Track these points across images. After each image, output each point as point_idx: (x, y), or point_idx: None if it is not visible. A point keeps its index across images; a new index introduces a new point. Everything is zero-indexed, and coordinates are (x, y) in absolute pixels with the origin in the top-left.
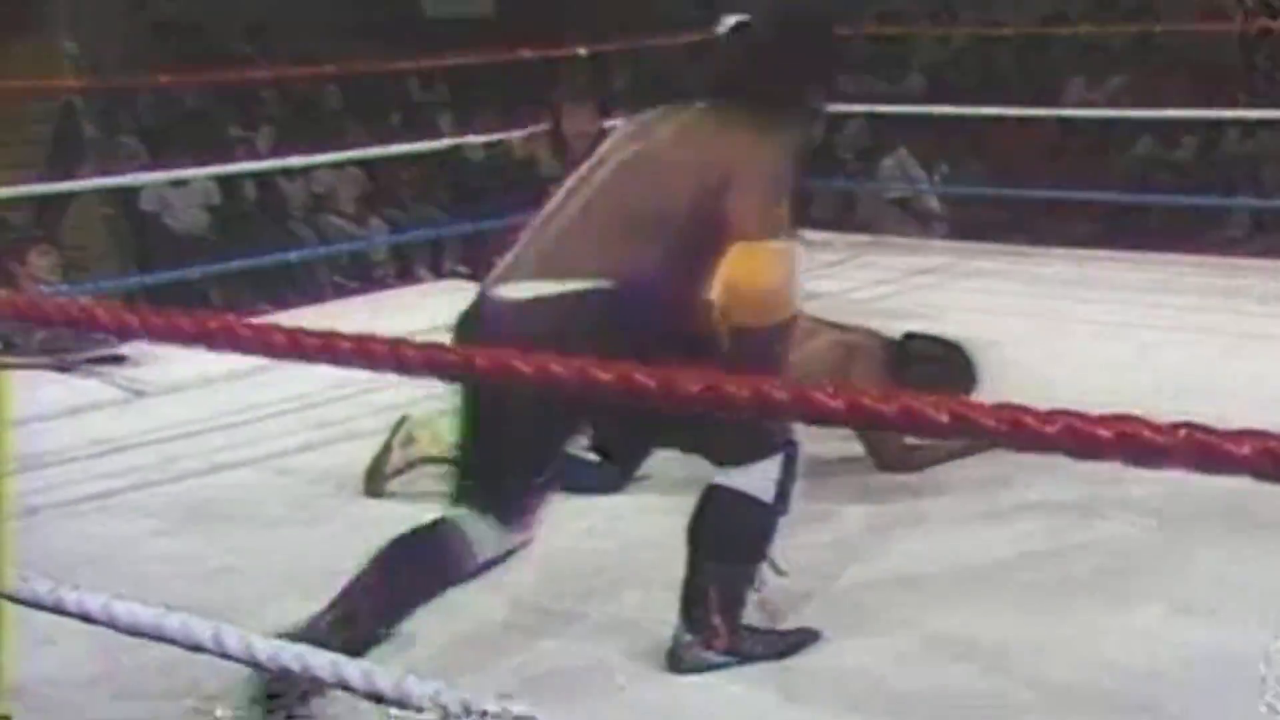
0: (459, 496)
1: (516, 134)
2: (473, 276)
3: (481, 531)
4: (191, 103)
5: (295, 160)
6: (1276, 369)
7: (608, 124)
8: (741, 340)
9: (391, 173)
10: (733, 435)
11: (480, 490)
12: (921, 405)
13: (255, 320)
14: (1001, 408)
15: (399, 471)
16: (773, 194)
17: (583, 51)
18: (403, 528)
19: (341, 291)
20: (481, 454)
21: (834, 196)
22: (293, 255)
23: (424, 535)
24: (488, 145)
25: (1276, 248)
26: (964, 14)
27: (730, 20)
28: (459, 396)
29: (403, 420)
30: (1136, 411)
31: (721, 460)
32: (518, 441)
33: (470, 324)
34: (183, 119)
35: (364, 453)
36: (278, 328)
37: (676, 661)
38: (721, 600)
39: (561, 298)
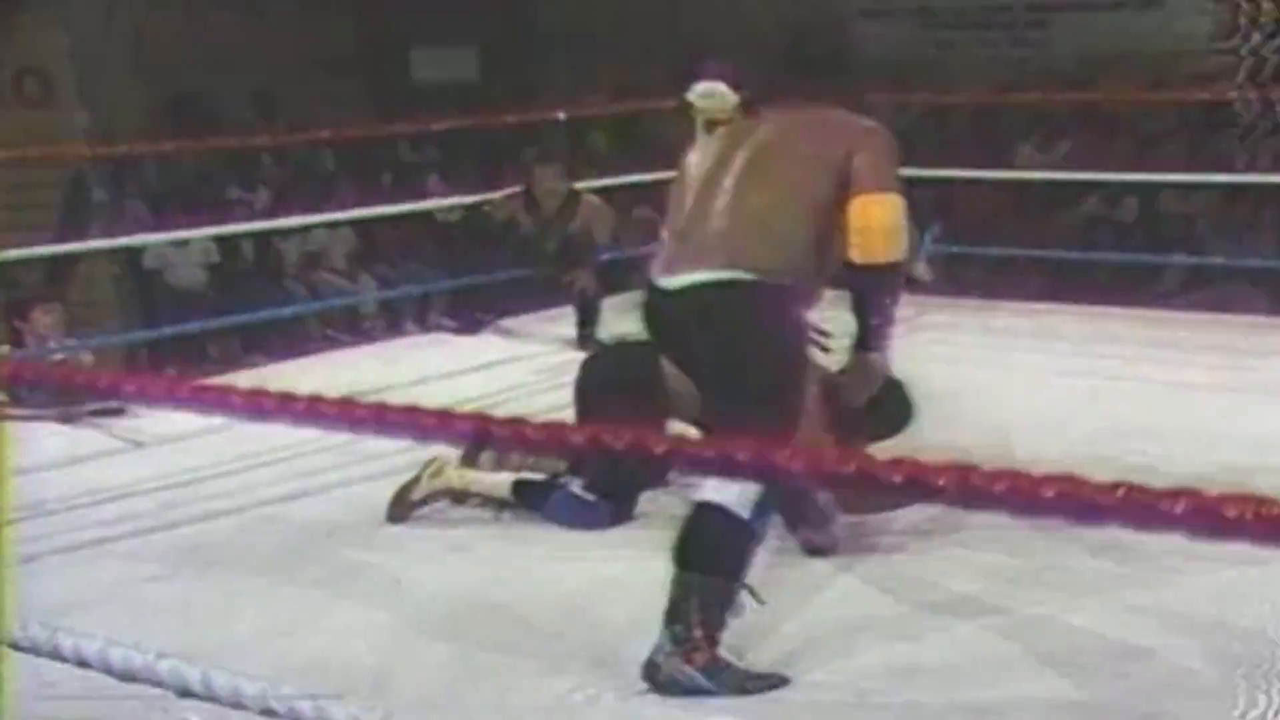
0: None
1: (496, 195)
2: (458, 329)
3: None
4: (194, 168)
5: (290, 221)
6: (1209, 415)
7: (578, 185)
8: (872, 276)
9: (381, 231)
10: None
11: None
12: (876, 466)
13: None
14: (951, 467)
15: (424, 500)
16: (892, 158)
17: (561, 115)
18: (392, 575)
19: (333, 344)
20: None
21: None
22: (286, 311)
23: None
24: (468, 206)
25: (1206, 302)
26: (921, 82)
27: (700, 87)
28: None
29: (433, 460)
30: (1084, 453)
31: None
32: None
33: (644, 310)
34: (186, 183)
35: (353, 500)
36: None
37: (654, 672)
38: (702, 613)
39: (711, 285)
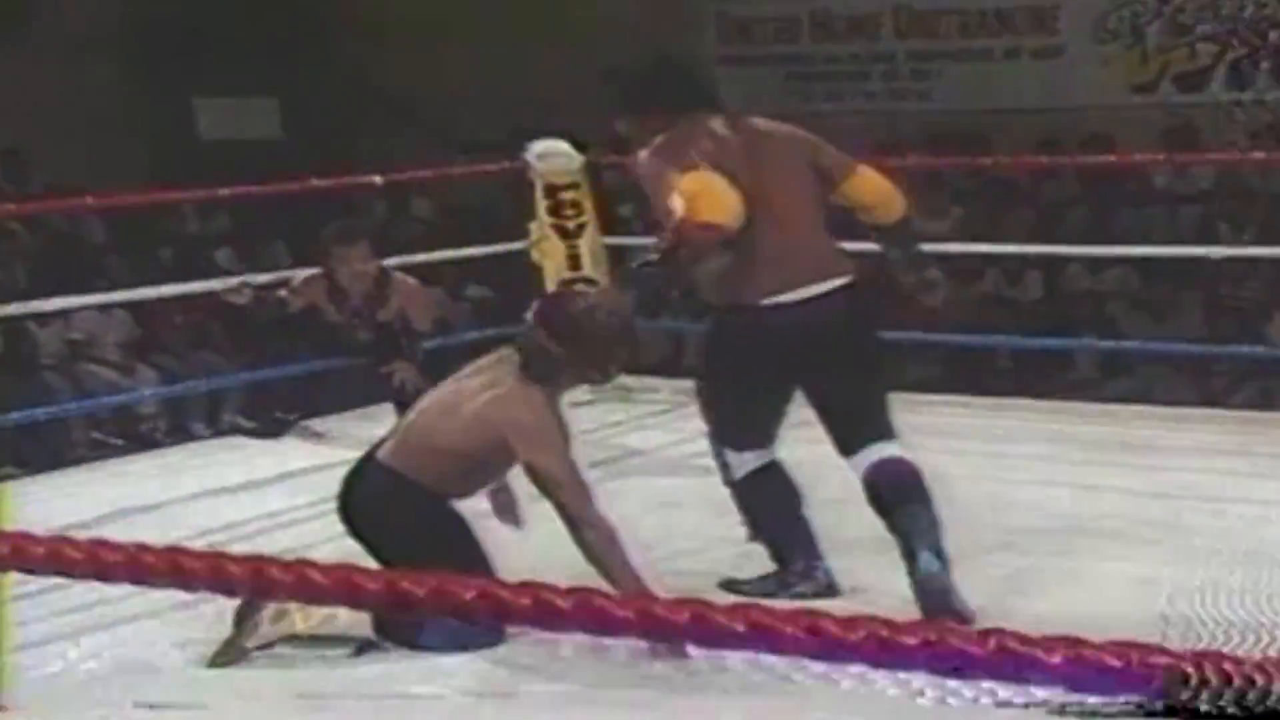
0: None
1: (293, 279)
2: (256, 432)
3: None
4: None
5: (48, 303)
6: (1135, 525)
7: (391, 262)
8: (898, 226)
9: (163, 315)
10: (884, 415)
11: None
12: (718, 612)
13: None
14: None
15: (264, 646)
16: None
17: (378, 179)
18: None
19: (104, 451)
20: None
21: (662, 339)
22: (44, 411)
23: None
24: (261, 288)
25: (1128, 392)
26: None
27: (539, 146)
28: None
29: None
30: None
31: (876, 437)
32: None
33: (762, 327)
34: None
35: (154, 638)
36: None
37: (942, 587)
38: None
39: (831, 294)
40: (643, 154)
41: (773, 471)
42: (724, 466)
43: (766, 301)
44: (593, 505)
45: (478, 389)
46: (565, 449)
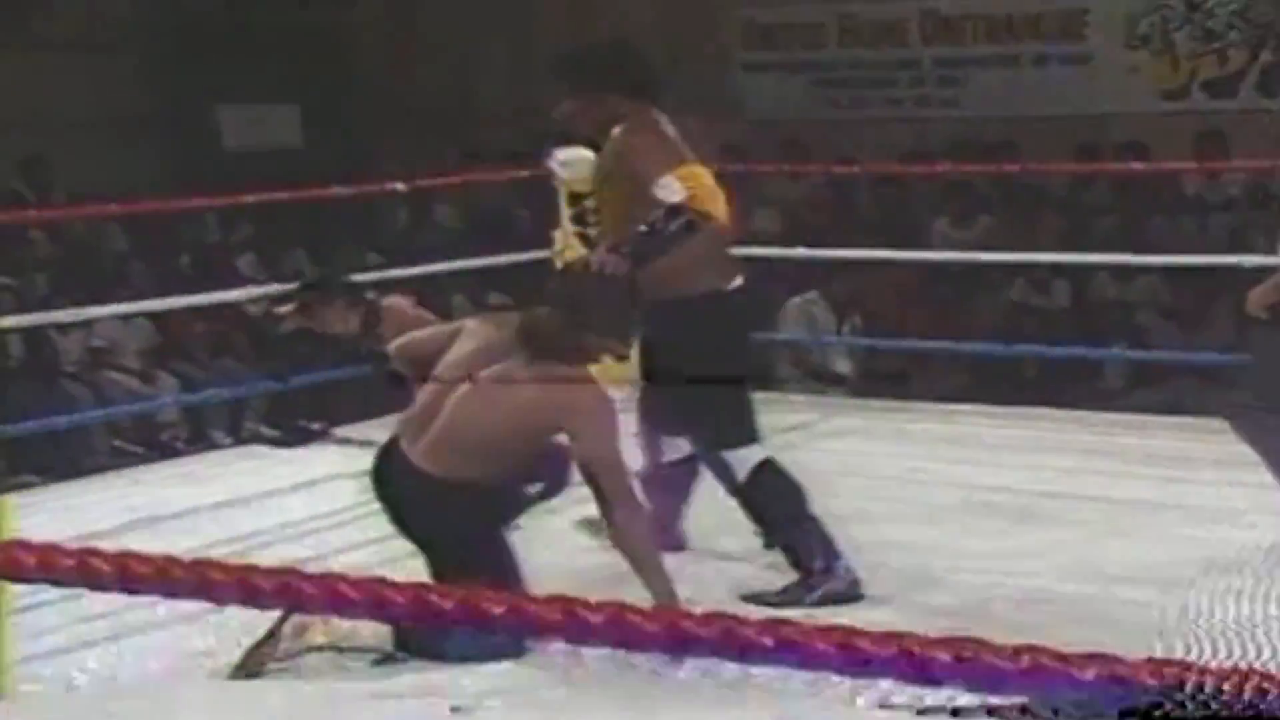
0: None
1: (285, 296)
2: (280, 441)
3: None
4: None
5: (69, 313)
6: (1163, 539)
7: (408, 272)
8: None
9: (184, 323)
10: None
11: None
12: (740, 626)
13: None
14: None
15: (284, 658)
16: None
17: (400, 186)
18: None
19: (125, 459)
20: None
21: None
22: (65, 419)
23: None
24: (273, 300)
25: (1158, 402)
26: (815, 148)
27: (562, 154)
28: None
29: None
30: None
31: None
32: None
33: (735, 308)
34: None
35: (165, 648)
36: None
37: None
38: None
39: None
40: (617, 130)
41: (772, 468)
42: (725, 473)
43: (728, 286)
44: (632, 488)
45: (516, 379)
46: (613, 430)
